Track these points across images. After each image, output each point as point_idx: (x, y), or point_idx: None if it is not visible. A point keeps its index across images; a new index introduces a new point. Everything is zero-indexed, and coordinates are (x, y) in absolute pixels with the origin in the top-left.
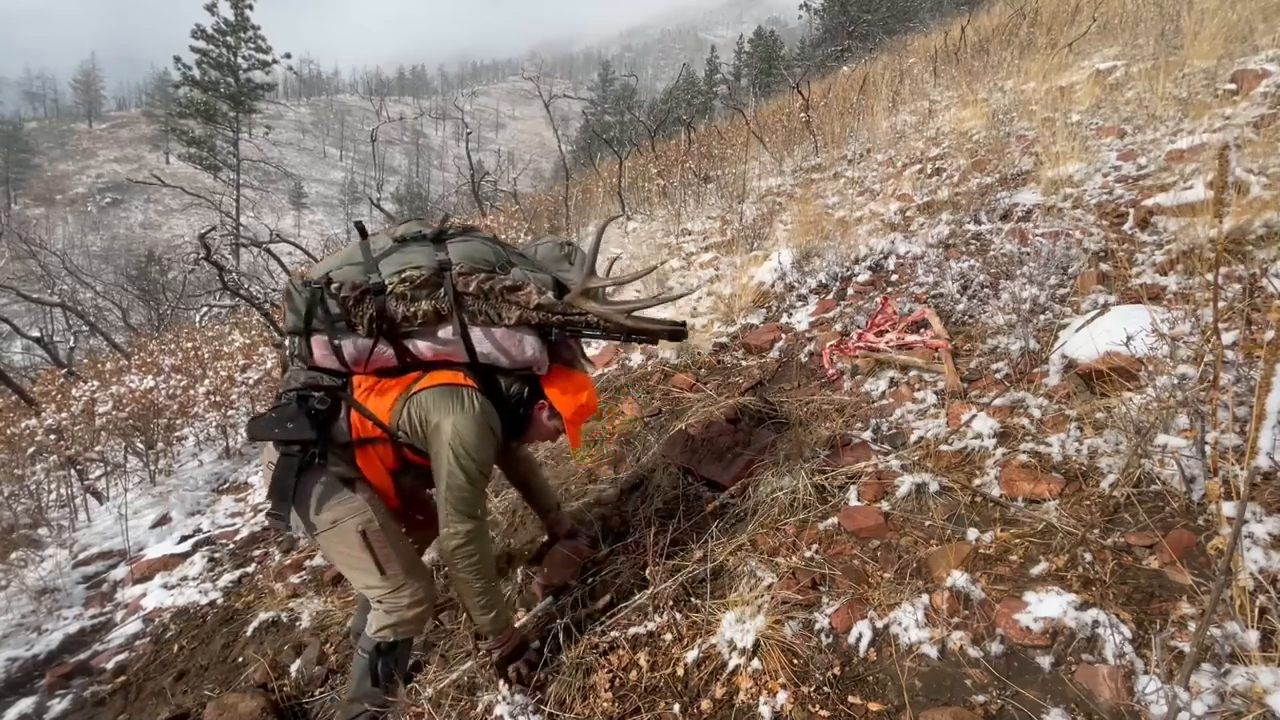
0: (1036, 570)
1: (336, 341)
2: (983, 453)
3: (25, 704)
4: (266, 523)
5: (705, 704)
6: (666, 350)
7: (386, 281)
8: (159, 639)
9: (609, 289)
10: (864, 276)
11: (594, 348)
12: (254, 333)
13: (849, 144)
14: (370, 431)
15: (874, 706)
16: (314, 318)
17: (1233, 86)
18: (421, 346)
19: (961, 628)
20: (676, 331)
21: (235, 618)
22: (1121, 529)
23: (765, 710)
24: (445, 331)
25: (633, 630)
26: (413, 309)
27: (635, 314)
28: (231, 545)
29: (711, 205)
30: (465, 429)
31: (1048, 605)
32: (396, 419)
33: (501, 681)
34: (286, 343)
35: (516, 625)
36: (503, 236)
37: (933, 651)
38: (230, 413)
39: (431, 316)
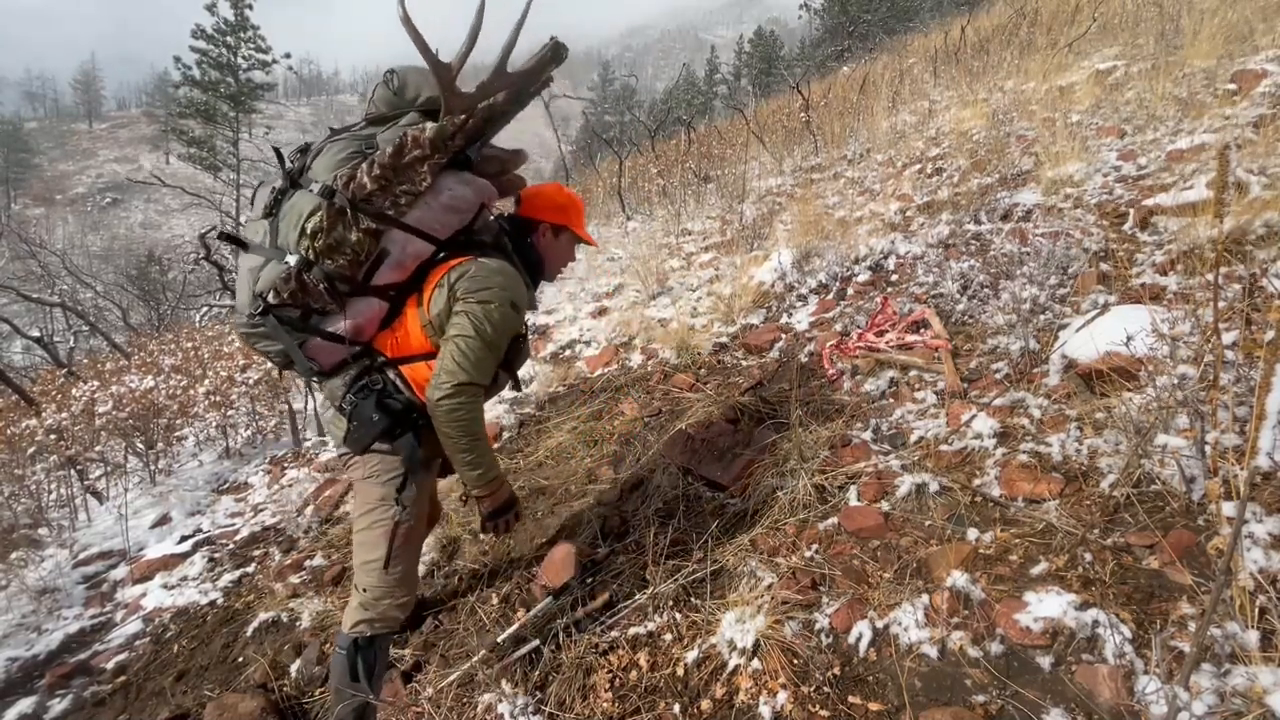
0: (1036, 570)
1: (329, 331)
2: (983, 453)
3: (25, 704)
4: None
5: (705, 704)
6: (666, 350)
7: (303, 251)
8: (159, 639)
9: (465, 75)
10: (864, 276)
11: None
12: None
13: (849, 144)
14: (427, 374)
15: (874, 706)
16: (289, 337)
17: (1233, 86)
18: (389, 275)
19: (961, 628)
20: (556, 48)
21: (235, 618)
22: (1121, 529)
23: (765, 710)
24: (390, 243)
25: (633, 630)
26: (349, 252)
27: (508, 69)
28: (231, 545)
29: (711, 205)
30: (487, 286)
31: (1048, 605)
32: (433, 337)
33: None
34: (298, 372)
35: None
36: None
37: (933, 651)
38: (230, 413)
39: (367, 241)
